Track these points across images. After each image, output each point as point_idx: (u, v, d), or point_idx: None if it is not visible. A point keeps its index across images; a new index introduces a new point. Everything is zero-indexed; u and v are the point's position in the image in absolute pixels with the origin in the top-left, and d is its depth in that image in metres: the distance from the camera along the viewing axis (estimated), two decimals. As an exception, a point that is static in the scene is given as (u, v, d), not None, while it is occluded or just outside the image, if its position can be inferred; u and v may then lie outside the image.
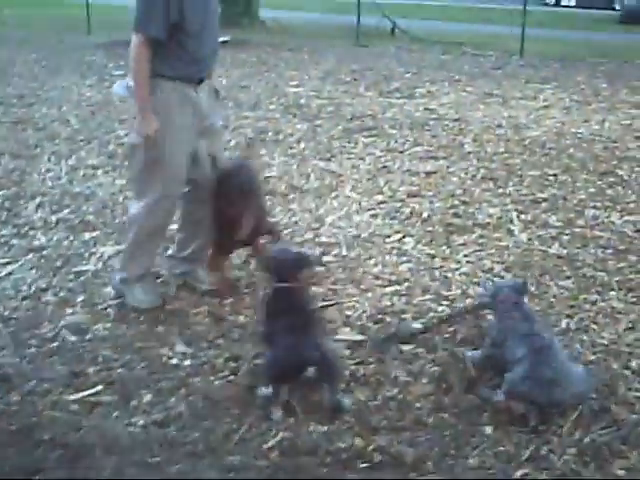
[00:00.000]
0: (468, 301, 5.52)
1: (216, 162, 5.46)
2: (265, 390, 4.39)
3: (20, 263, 6.12)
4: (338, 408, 4.34)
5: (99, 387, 4.58)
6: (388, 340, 5.02)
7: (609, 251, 6.47)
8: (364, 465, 3.97)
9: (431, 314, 5.39)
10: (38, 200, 7.45)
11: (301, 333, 4.37)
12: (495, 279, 5.76)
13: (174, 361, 4.86)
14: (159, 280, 5.77)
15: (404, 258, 6.29)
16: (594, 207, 7.43)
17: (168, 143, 5.07)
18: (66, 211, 7.22)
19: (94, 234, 6.65)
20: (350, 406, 4.36)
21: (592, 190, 7.87)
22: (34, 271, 5.94)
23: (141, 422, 4.28)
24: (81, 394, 4.53)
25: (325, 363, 4.32)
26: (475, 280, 5.89)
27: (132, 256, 5.47)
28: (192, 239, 5.69)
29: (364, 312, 5.44)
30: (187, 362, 4.84)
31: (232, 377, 4.68)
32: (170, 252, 5.91)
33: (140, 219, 5.32)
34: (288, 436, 4.12)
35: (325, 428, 4.19)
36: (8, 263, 6.13)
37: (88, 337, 5.11)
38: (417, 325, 5.23)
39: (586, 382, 4.37)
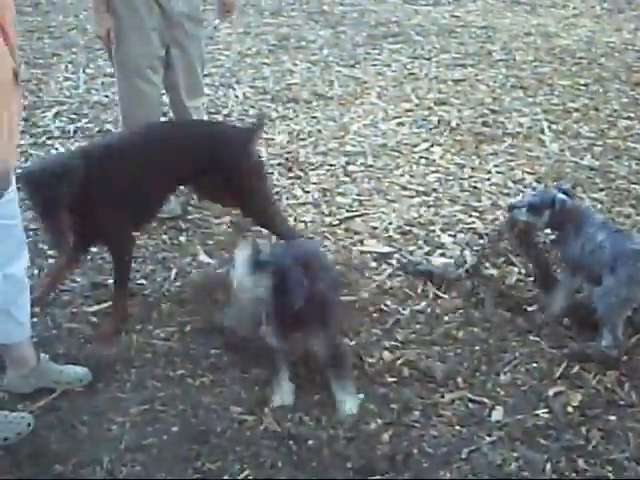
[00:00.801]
0: (499, 214, 5.35)
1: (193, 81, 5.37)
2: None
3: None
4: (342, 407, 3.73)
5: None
6: (421, 274, 4.77)
7: (643, 163, 6.28)
8: (392, 379, 3.88)
9: (462, 229, 5.24)
10: (56, 109, 7.27)
11: None
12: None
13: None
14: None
15: (432, 168, 6.11)
16: (627, 118, 7.19)
17: (131, 46, 5.05)
18: (84, 120, 7.04)
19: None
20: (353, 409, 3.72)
21: (625, 100, 7.63)
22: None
23: (162, 335, 4.20)
24: (100, 306, 4.44)
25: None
26: (505, 191, 5.72)
27: None
28: None
29: (391, 223, 5.29)
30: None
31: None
32: None
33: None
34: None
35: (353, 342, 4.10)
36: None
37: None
38: (454, 269, 4.80)
39: None
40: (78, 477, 3.34)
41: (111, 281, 4.46)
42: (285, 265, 3.47)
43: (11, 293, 3.47)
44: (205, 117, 5.75)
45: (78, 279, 4.67)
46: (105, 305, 4.42)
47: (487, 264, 4.74)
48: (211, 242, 5.08)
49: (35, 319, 4.10)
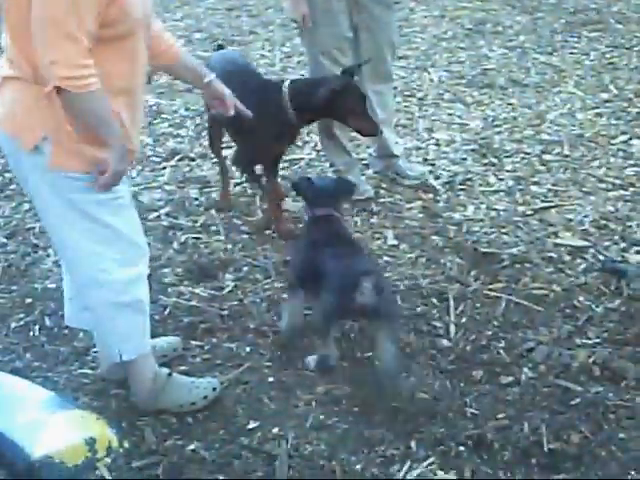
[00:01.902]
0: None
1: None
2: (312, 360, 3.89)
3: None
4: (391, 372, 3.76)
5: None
6: (615, 272, 4.62)
7: None
8: (583, 378, 3.80)
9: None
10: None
11: (353, 256, 3.91)
12: None
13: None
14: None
15: (631, 161, 5.93)
16: None
17: (319, 28, 5.12)
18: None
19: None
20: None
21: None
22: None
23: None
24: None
25: (381, 291, 3.69)
26: None
27: (328, 149, 5.61)
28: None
29: (586, 216, 5.17)
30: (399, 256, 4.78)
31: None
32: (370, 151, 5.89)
33: None
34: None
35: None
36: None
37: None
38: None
39: None
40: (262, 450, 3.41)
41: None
42: None
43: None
44: (393, 101, 5.80)
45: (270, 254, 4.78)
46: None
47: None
48: (402, 226, 5.09)
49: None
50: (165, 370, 3.61)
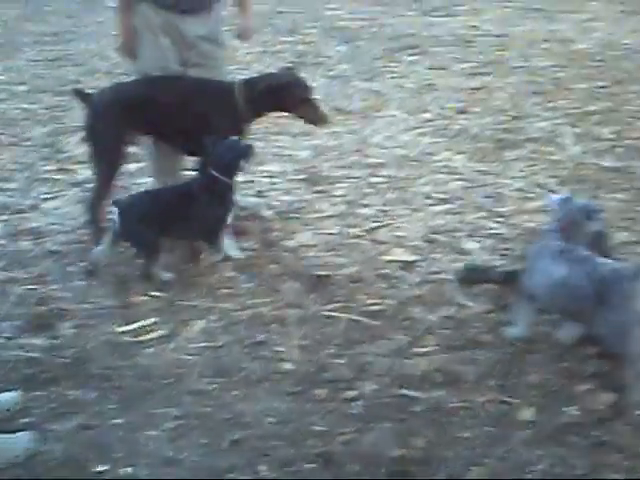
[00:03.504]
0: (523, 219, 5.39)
1: None
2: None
3: (65, 198, 6.06)
4: None
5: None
6: (472, 280, 4.80)
7: (665, 162, 6.30)
8: (426, 385, 3.92)
9: (487, 234, 5.29)
10: (80, 135, 7.33)
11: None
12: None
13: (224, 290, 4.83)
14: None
15: (455, 176, 6.15)
16: (647, 118, 7.22)
17: (147, 63, 5.22)
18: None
19: (140, 165, 6.54)
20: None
21: (644, 101, 7.65)
22: (79, 205, 5.84)
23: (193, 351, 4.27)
24: (132, 326, 4.51)
25: None
26: (529, 196, 5.76)
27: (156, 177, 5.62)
28: None
29: (417, 232, 5.32)
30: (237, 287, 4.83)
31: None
32: None
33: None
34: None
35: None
36: (53, 198, 6.08)
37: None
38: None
39: None
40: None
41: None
42: None
43: None
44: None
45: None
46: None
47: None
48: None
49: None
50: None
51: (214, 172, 4.82)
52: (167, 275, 4.85)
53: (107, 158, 5.16)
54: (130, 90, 5.28)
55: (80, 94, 5.28)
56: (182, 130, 5.14)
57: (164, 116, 5.08)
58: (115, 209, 4.76)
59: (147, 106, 5.09)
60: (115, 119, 5.06)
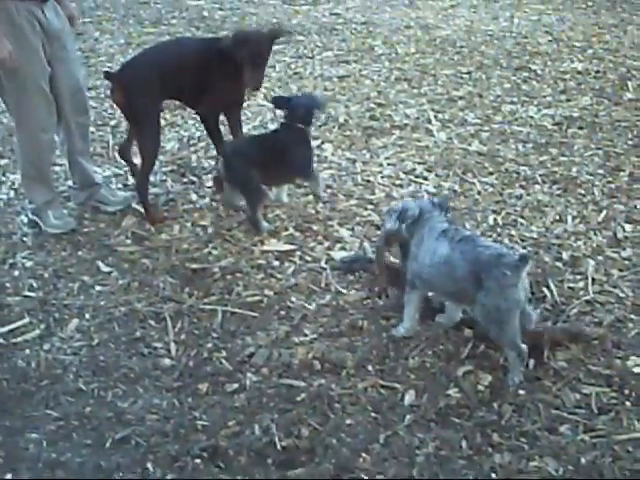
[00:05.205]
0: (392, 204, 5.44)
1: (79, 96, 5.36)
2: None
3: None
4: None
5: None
6: (351, 265, 4.84)
7: (529, 145, 6.46)
8: (305, 373, 3.94)
9: (359, 222, 5.32)
10: None
11: None
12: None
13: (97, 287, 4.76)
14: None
15: (324, 165, 6.18)
16: (511, 102, 7.39)
17: (25, 65, 4.90)
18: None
19: (2, 162, 6.38)
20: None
21: (507, 86, 7.83)
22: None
23: (69, 350, 4.19)
24: (5, 328, 4.39)
25: None
26: (398, 182, 5.82)
27: (28, 186, 5.36)
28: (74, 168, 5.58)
29: (291, 222, 5.32)
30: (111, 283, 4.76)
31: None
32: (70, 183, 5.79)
33: (22, 151, 5.25)
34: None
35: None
36: None
37: (6, 267, 4.94)
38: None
39: None
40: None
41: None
42: None
43: None
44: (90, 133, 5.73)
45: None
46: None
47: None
48: (110, 253, 5.06)
49: None
50: None
51: (295, 123, 5.36)
52: (268, 225, 5.23)
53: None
54: (154, 60, 5.41)
55: (108, 75, 5.35)
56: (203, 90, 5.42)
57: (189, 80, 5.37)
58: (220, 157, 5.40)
59: (175, 72, 5.28)
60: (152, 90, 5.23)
